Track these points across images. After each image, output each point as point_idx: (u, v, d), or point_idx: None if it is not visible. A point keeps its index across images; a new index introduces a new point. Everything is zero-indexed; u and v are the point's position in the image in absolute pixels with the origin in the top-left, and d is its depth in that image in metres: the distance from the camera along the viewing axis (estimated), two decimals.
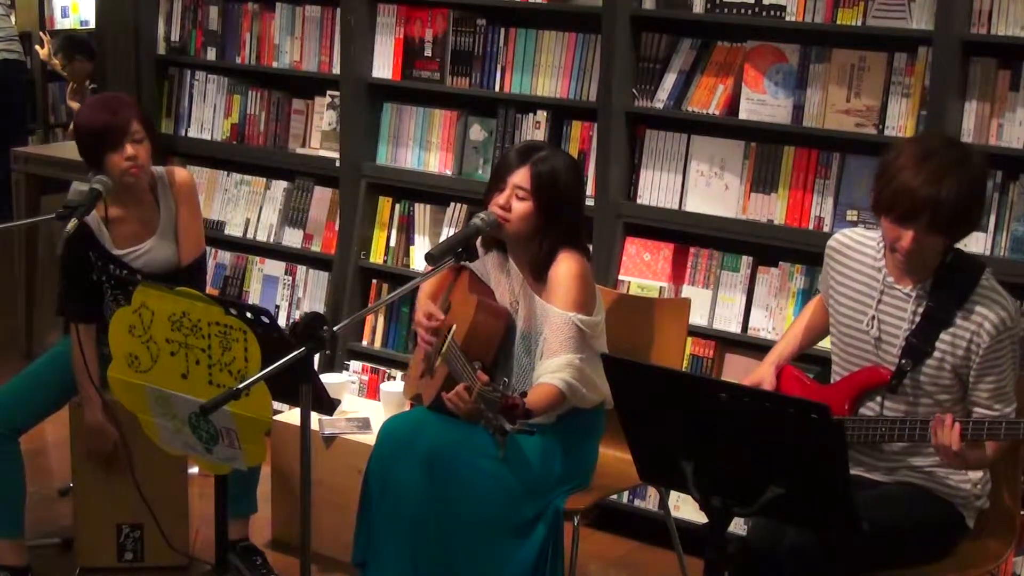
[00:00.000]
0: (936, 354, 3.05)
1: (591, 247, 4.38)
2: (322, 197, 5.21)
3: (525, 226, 3.46)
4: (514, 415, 3.04)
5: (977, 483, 3.16)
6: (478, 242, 3.55)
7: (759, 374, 3.33)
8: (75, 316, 3.85)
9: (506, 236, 3.50)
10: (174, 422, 3.26)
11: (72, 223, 3.59)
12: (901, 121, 3.97)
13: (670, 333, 3.82)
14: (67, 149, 6.28)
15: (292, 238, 5.28)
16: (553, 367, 3.40)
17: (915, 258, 3.01)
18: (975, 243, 3.89)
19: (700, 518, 3.49)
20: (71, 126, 7.45)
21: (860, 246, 3.19)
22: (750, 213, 4.27)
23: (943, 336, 3.04)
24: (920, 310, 3.07)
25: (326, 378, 4.25)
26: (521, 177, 3.44)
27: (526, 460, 3.44)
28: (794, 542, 2.95)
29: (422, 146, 4.91)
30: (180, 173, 4.04)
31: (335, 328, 2.99)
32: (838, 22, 4.03)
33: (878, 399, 3.13)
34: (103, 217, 3.86)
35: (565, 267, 3.45)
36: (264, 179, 5.37)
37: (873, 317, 3.13)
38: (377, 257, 5.02)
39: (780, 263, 4.23)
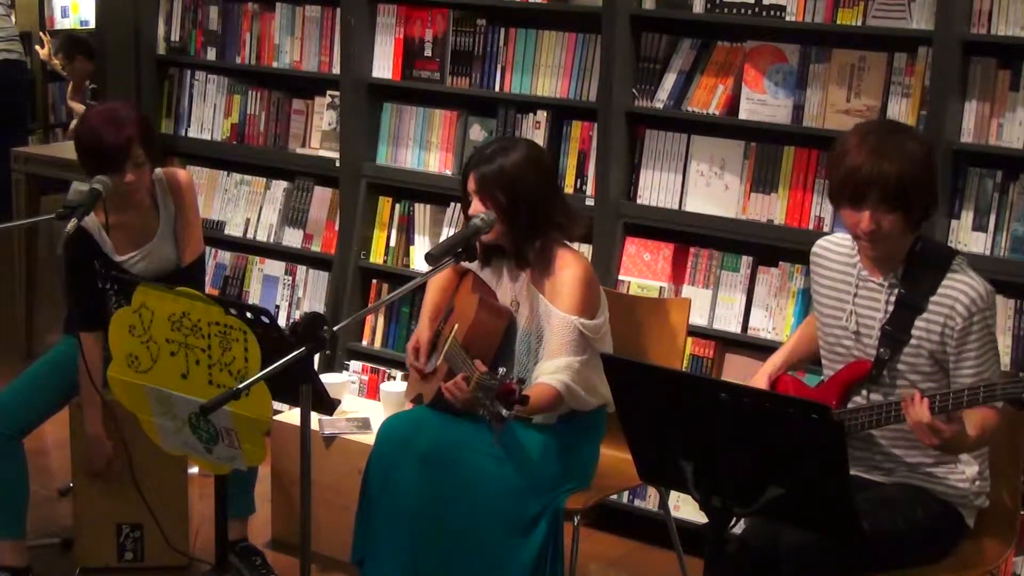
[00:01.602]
0: (913, 341, 3.07)
1: (591, 247, 4.41)
2: (322, 197, 5.21)
3: (496, 225, 3.47)
4: (511, 400, 3.05)
5: (975, 480, 3.16)
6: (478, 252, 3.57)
7: (751, 385, 3.34)
8: (82, 325, 3.81)
9: (490, 238, 3.51)
10: (174, 422, 3.26)
11: (72, 223, 3.58)
12: (901, 121, 3.96)
13: (670, 333, 3.82)
14: (67, 149, 6.27)
15: (292, 238, 5.28)
16: (552, 368, 3.41)
17: (880, 241, 3.04)
18: (975, 243, 3.90)
19: (700, 518, 3.49)
20: (71, 127, 7.46)
21: (837, 247, 3.25)
22: (750, 213, 4.27)
23: (917, 322, 3.06)
24: (893, 299, 3.11)
25: (326, 378, 4.25)
26: (471, 183, 3.50)
27: (526, 459, 3.44)
28: (794, 542, 2.95)
29: (422, 146, 4.91)
30: (179, 174, 4.02)
31: (335, 328, 2.99)
32: (838, 22, 4.03)
33: (864, 392, 3.15)
34: (103, 224, 3.85)
35: (571, 271, 3.46)
36: (264, 179, 5.37)
37: (851, 312, 3.17)
38: (377, 257, 5.02)
39: (780, 263, 4.23)
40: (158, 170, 3.97)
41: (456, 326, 3.56)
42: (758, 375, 3.38)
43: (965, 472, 3.15)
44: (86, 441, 3.92)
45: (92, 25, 7.08)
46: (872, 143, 3.00)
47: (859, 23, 4.00)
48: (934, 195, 3.09)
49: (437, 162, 4.87)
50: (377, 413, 4.28)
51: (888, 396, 3.12)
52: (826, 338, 3.24)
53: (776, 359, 3.40)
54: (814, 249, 3.30)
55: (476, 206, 3.48)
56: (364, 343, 5.06)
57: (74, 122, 7.54)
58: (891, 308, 3.11)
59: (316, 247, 5.21)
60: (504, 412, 3.05)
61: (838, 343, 3.21)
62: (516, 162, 3.48)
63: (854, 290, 3.18)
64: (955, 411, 2.95)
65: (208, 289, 5.32)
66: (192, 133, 5.56)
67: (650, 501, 4.40)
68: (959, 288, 3.03)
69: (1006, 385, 2.88)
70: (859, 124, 3.24)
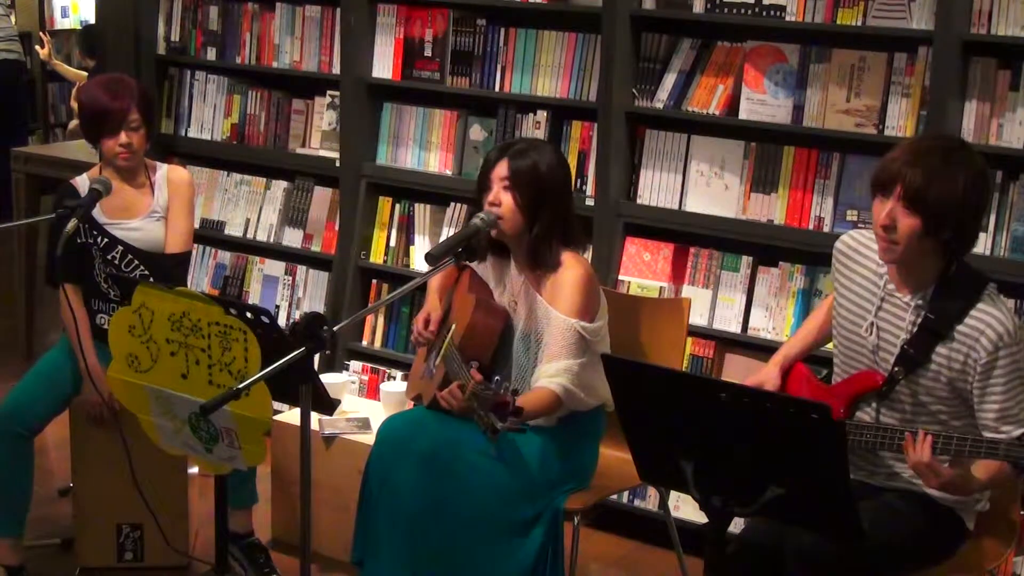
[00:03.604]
0: (932, 366, 3.01)
1: (591, 247, 4.41)
2: (322, 197, 5.21)
3: (518, 217, 3.46)
4: (504, 413, 3.05)
5: None
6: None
7: (763, 374, 3.31)
8: (64, 276, 3.92)
9: (503, 233, 3.50)
10: (174, 422, 3.26)
11: (72, 223, 3.65)
12: (901, 121, 3.97)
13: (670, 333, 3.82)
14: (67, 149, 6.29)
15: (292, 238, 5.28)
16: (552, 371, 3.41)
17: (893, 245, 2.94)
18: None
19: (700, 518, 3.49)
20: (70, 126, 7.47)
21: (865, 249, 3.16)
22: (750, 213, 4.27)
23: (939, 349, 2.99)
24: (918, 320, 3.03)
25: (326, 378, 4.25)
26: (502, 170, 3.47)
27: (525, 460, 3.44)
28: (799, 548, 2.94)
29: (422, 146, 4.91)
30: (178, 171, 4.12)
31: (335, 328, 2.99)
32: (838, 22, 4.03)
33: (874, 405, 3.11)
34: None
35: (571, 273, 3.46)
36: (264, 179, 5.37)
37: (872, 324, 3.10)
38: (377, 257, 5.02)
39: (780, 263, 4.23)
40: (164, 165, 4.09)
41: (453, 326, 3.56)
42: (769, 364, 3.32)
43: None
44: (84, 377, 3.90)
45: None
46: (917, 146, 2.95)
47: (859, 23, 4.00)
48: (967, 224, 2.96)
49: (437, 162, 4.87)
50: (377, 413, 4.28)
51: (903, 415, 3.07)
52: (841, 340, 3.19)
53: (791, 350, 3.34)
54: (838, 244, 3.22)
55: (498, 195, 3.46)
56: (364, 343, 5.06)
57: (74, 122, 7.55)
58: (914, 330, 3.03)
59: (316, 247, 5.21)
60: (498, 424, 3.05)
61: (853, 348, 3.15)
62: (548, 163, 3.48)
63: (878, 303, 3.09)
64: (957, 457, 2.91)
65: (208, 289, 5.35)
66: (192, 133, 5.56)
67: (650, 501, 4.40)
68: (986, 321, 2.94)
69: (1009, 448, 2.84)
70: (929, 131, 3.16)
